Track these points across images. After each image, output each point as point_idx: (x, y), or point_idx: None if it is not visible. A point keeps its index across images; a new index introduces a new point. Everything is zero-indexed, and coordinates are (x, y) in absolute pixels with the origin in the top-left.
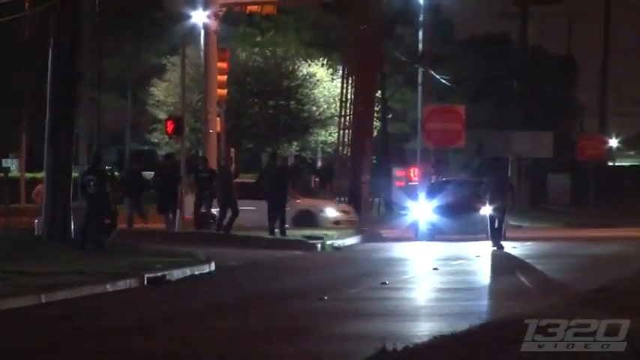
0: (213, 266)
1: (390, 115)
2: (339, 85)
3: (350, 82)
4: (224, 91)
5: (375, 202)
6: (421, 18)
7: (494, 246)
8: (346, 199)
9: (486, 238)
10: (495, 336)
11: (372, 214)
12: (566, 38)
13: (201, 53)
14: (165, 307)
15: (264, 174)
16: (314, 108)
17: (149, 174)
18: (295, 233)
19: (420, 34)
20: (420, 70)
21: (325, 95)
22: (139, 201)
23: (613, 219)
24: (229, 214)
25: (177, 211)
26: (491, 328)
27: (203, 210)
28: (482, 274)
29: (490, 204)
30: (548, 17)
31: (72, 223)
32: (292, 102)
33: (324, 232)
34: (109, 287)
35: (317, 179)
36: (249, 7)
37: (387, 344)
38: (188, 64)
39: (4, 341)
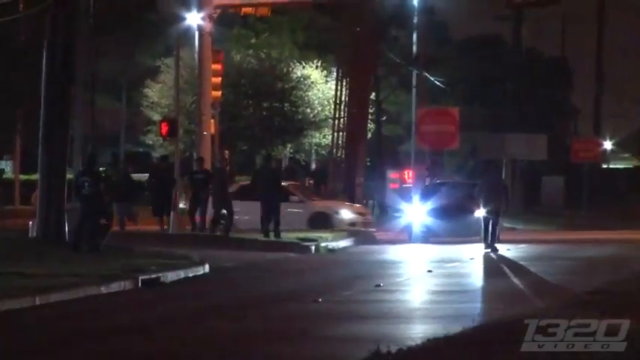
0: (207, 268)
1: (384, 118)
2: (334, 87)
3: (344, 84)
4: (218, 93)
5: (369, 204)
6: (415, 20)
7: (486, 248)
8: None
9: (480, 241)
10: (489, 338)
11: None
12: (560, 40)
13: (196, 55)
14: (161, 308)
15: (258, 175)
16: (308, 110)
17: (144, 176)
18: (289, 235)
19: (415, 36)
20: (414, 73)
21: (319, 97)
22: (130, 203)
23: (607, 221)
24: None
25: (172, 213)
26: (485, 330)
27: (198, 212)
28: (476, 276)
29: (484, 206)
30: (543, 19)
31: (66, 225)
32: (286, 104)
33: (318, 234)
34: (103, 289)
35: (311, 181)
36: (244, 9)
37: (381, 347)
38: (182, 65)
39: (2, 342)
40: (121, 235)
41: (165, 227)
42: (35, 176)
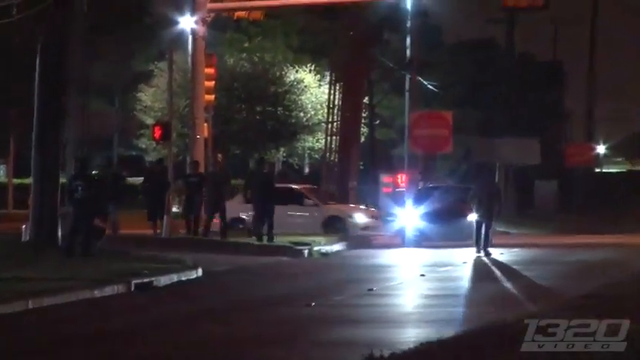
0: (200, 272)
1: (377, 122)
2: (327, 91)
3: (337, 88)
4: (211, 97)
5: None
6: (408, 24)
7: (478, 252)
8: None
9: (473, 245)
10: (481, 342)
11: None
12: (553, 44)
13: (189, 59)
14: (154, 312)
15: (251, 178)
16: (301, 114)
17: (137, 179)
18: (283, 239)
19: (408, 40)
20: (407, 77)
21: (313, 101)
22: (114, 207)
23: (600, 226)
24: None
25: (165, 216)
26: (477, 334)
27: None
28: (469, 280)
29: (477, 210)
30: (536, 23)
31: (59, 229)
32: (280, 108)
33: (311, 238)
34: (96, 293)
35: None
36: (237, 13)
37: (374, 351)
38: (175, 69)
39: None
40: (115, 238)
41: (159, 231)
42: (29, 180)
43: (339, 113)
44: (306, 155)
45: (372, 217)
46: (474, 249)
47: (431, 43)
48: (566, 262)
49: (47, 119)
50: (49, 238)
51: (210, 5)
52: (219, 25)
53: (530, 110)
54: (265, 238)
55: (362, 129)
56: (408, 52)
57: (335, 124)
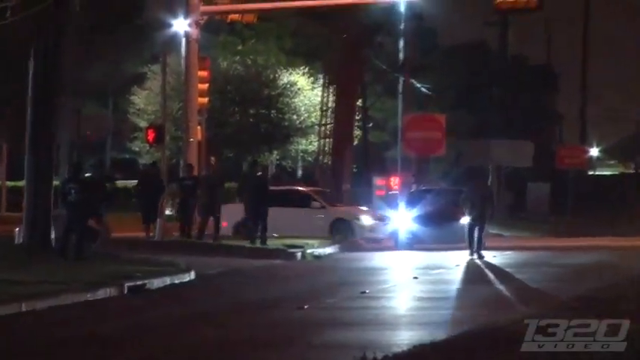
0: (193, 275)
1: (370, 124)
2: (320, 93)
3: (331, 90)
4: (205, 100)
5: None
6: (402, 27)
7: (471, 255)
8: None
9: (466, 247)
10: (474, 345)
11: None
12: (546, 46)
13: (182, 62)
14: (146, 315)
15: (245, 181)
16: (295, 117)
17: (130, 182)
18: (276, 242)
19: (401, 42)
20: (401, 79)
21: (306, 104)
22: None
23: (593, 228)
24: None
25: (158, 219)
26: (470, 337)
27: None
28: (462, 283)
29: (470, 213)
30: (530, 26)
31: (53, 231)
32: (273, 111)
33: (304, 240)
34: (89, 296)
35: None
36: (230, 16)
37: (367, 353)
38: (169, 72)
39: None
40: (108, 241)
41: (152, 234)
42: (22, 183)
43: (333, 116)
44: (300, 158)
45: (379, 219)
46: (466, 251)
47: (425, 47)
48: (559, 264)
49: (40, 120)
50: (42, 240)
51: (203, 8)
52: (213, 27)
53: (523, 112)
54: (258, 241)
55: (355, 131)
56: (401, 54)
57: (328, 126)
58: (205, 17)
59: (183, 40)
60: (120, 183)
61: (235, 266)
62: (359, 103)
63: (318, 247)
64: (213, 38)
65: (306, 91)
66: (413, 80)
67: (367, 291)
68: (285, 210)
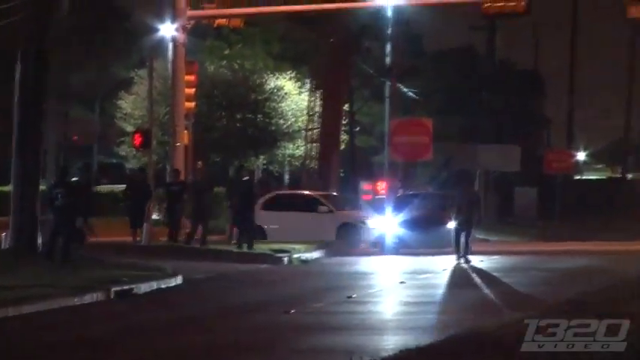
0: (180, 279)
1: (357, 129)
2: (307, 98)
3: (318, 95)
4: (192, 104)
5: None
6: (389, 31)
7: (457, 260)
8: None
9: (453, 252)
10: (460, 349)
11: None
12: (534, 51)
13: (169, 66)
14: (133, 320)
15: (231, 186)
16: (281, 121)
17: (117, 187)
18: (262, 247)
19: (388, 47)
20: (388, 84)
21: (293, 108)
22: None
23: (580, 233)
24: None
25: (145, 224)
26: (456, 341)
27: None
28: (449, 287)
29: (457, 218)
30: (517, 30)
31: (40, 237)
32: (260, 115)
33: (291, 245)
34: (76, 300)
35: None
36: (217, 20)
37: (353, 358)
38: (156, 77)
39: None
40: (95, 245)
41: (138, 239)
42: (9, 188)
43: (320, 120)
44: (286, 162)
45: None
46: (453, 256)
47: (413, 52)
48: (547, 268)
49: (27, 124)
50: (29, 244)
51: (190, 12)
52: (200, 32)
53: (511, 117)
54: (245, 245)
55: (342, 136)
56: (387, 59)
57: (315, 131)
58: (192, 22)
59: (171, 45)
60: (107, 187)
61: (222, 271)
62: (346, 107)
63: (304, 251)
64: (200, 43)
65: (293, 96)
66: (400, 85)
67: (354, 295)
68: (293, 214)
